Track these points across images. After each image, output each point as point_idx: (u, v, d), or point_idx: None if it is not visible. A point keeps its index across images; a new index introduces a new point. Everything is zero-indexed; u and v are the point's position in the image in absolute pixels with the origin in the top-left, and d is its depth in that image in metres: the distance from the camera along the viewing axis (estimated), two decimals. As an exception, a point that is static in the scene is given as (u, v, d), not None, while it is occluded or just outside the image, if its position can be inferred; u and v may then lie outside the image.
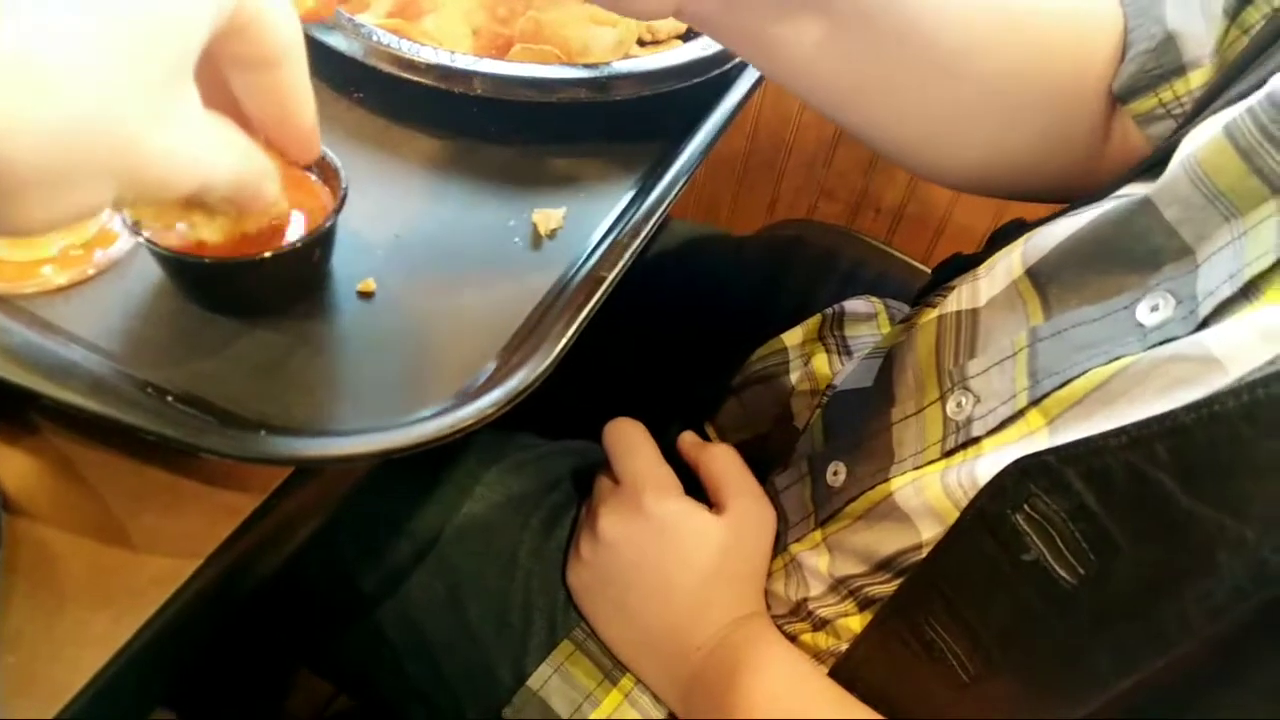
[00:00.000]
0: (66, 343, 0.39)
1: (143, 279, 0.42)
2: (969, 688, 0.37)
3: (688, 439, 0.60)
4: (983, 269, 0.46)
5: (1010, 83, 0.47)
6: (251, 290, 0.41)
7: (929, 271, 0.65)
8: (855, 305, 0.70)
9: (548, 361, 0.39)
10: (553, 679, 0.52)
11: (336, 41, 0.53)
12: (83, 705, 0.30)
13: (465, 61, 0.52)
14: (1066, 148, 0.50)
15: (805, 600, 0.49)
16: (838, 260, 0.83)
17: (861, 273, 0.80)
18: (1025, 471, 0.34)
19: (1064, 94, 0.48)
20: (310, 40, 0.52)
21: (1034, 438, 0.37)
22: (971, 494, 0.37)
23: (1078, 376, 0.36)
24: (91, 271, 0.42)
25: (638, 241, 0.45)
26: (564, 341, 0.40)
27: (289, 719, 0.93)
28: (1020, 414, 0.39)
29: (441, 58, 0.52)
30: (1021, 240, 0.45)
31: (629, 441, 0.56)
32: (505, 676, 0.53)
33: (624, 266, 0.44)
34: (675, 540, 0.51)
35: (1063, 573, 0.32)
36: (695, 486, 0.55)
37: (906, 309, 0.68)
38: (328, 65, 0.53)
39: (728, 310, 0.78)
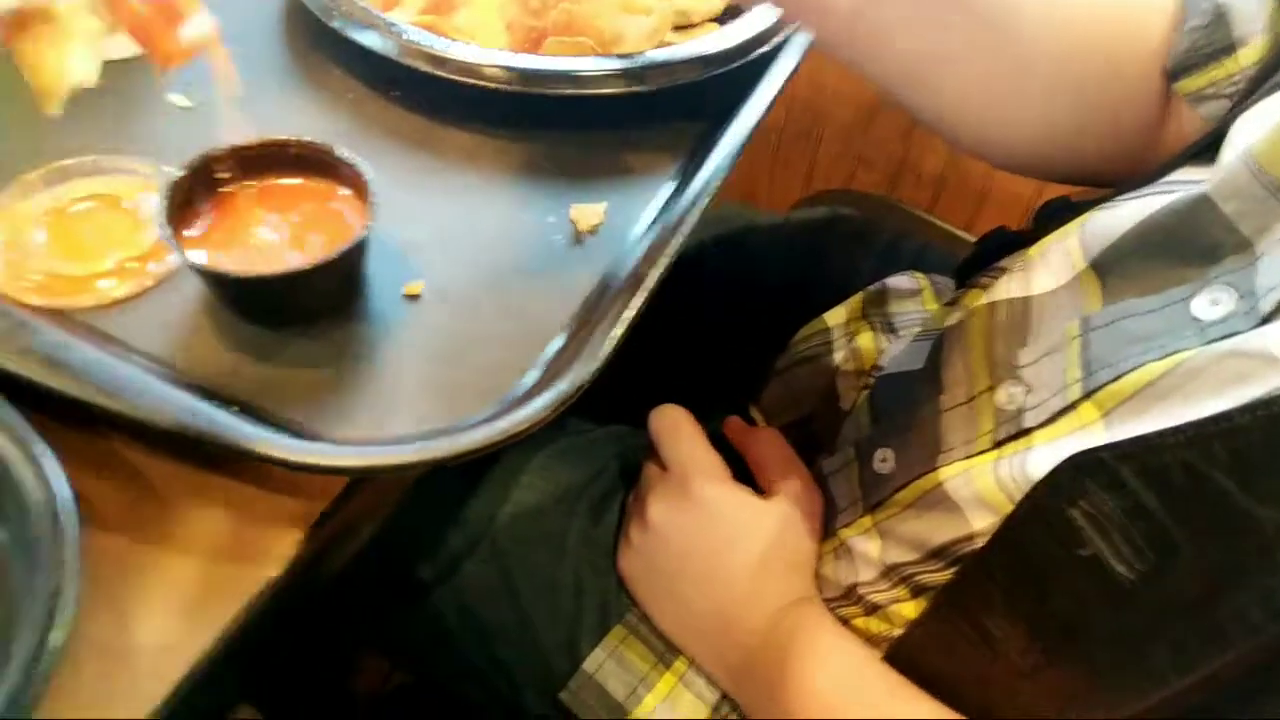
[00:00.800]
0: (126, 355, 0.40)
1: (199, 289, 0.43)
2: (1028, 677, 0.37)
3: (733, 424, 0.60)
4: (1035, 253, 0.46)
5: (1066, 57, 0.46)
6: (290, 304, 0.42)
7: (972, 241, 0.64)
8: (898, 281, 0.69)
9: (596, 363, 0.39)
10: (607, 663, 0.53)
11: (371, 40, 0.53)
12: (165, 713, 0.32)
13: (497, 57, 0.52)
14: (1119, 127, 0.50)
15: (856, 585, 0.49)
16: (879, 233, 0.82)
17: (904, 245, 0.79)
18: (1080, 467, 0.33)
19: (1119, 71, 0.47)
20: (345, 40, 0.53)
21: (1089, 430, 0.37)
22: (1024, 487, 0.37)
23: (1132, 370, 0.36)
24: (149, 283, 0.43)
25: (679, 238, 0.45)
26: (612, 342, 0.40)
27: (351, 693, 0.96)
28: (1073, 406, 0.38)
29: (473, 54, 0.52)
30: (1077, 225, 0.44)
31: (675, 428, 0.56)
32: (559, 660, 0.54)
33: (668, 264, 0.44)
34: (724, 526, 0.52)
35: (1120, 568, 0.32)
36: (742, 471, 0.55)
37: (951, 283, 0.67)
38: (364, 64, 0.54)
39: (768, 289, 0.78)
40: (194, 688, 0.33)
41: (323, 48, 0.56)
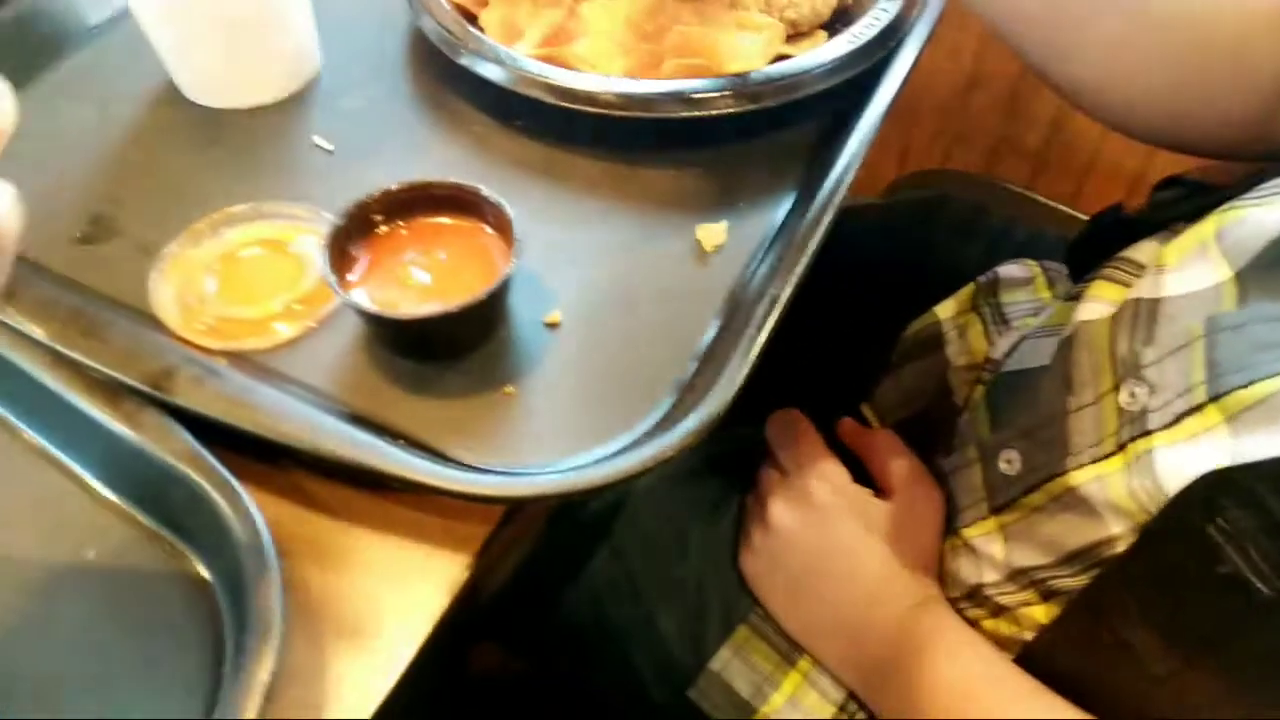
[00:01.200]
0: (300, 393, 0.43)
1: (357, 328, 0.46)
2: (1164, 683, 0.38)
3: (847, 426, 0.61)
4: (1171, 257, 0.45)
5: (1195, 14, 0.46)
6: (443, 341, 0.45)
7: (1082, 218, 0.63)
8: (1010, 270, 0.69)
9: (736, 385, 0.41)
10: (733, 661, 0.55)
11: (493, 74, 0.55)
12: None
13: (613, 84, 0.53)
14: (1242, 95, 0.49)
15: (981, 586, 0.50)
16: (985, 217, 0.81)
17: (1012, 230, 0.78)
18: (1215, 485, 0.34)
19: (1245, 36, 0.47)
20: (469, 74, 0.56)
21: (1213, 435, 0.37)
22: (1156, 496, 0.37)
23: (1266, 378, 0.35)
24: (313, 324, 0.46)
25: (808, 256, 0.46)
26: (749, 363, 0.42)
27: (468, 680, 0.99)
28: (1197, 409, 0.38)
29: (590, 82, 0.53)
30: (1213, 225, 0.43)
31: (793, 431, 0.57)
32: (685, 658, 0.56)
33: (798, 281, 0.45)
34: (848, 528, 0.53)
35: (1260, 585, 0.32)
36: (858, 471, 0.56)
37: (1062, 269, 0.66)
38: (487, 97, 0.56)
39: (870, 278, 0.78)
40: (387, 708, 0.36)
41: (447, 82, 0.58)
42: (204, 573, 0.39)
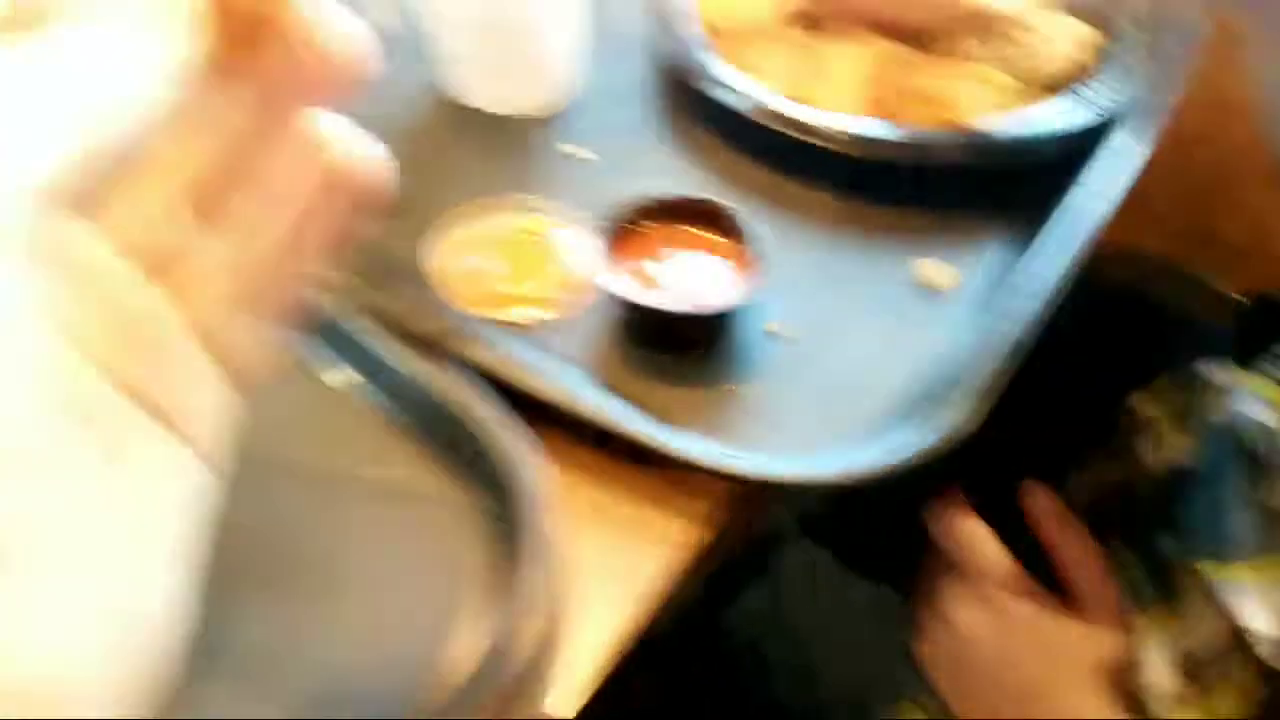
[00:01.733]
0: (564, 364, 0.49)
1: (603, 316, 0.51)
2: None
3: (1043, 504, 0.59)
4: None
5: None
6: (686, 336, 0.50)
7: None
8: (1211, 373, 0.68)
9: (960, 426, 0.44)
10: None
11: (734, 103, 0.59)
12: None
13: (849, 124, 0.57)
14: None
15: (1139, 686, 0.49)
16: (1181, 309, 0.80)
17: (1207, 325, 0.78)
18: None
19: None
20: (711, 103, 0.60)
21: None
22: None
23: None
24: (567, 310, 0.51)
25: (1048, 309, 0.49)
26: (974, 407, 0.44)
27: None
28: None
29: (825, 119, 0.57)
30: None
31: (968, 532, 0.57)
32: (842, 715, 0.58)
33: (1034, 334, 0.48)
34: (1037, 645, 0.53)
35: None
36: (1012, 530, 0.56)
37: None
38: (725, 125, 0.60)
39: (1068, 360, 0.78)
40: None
41: (694, 109, 0.63)
42: (476, 502, 0.41)
